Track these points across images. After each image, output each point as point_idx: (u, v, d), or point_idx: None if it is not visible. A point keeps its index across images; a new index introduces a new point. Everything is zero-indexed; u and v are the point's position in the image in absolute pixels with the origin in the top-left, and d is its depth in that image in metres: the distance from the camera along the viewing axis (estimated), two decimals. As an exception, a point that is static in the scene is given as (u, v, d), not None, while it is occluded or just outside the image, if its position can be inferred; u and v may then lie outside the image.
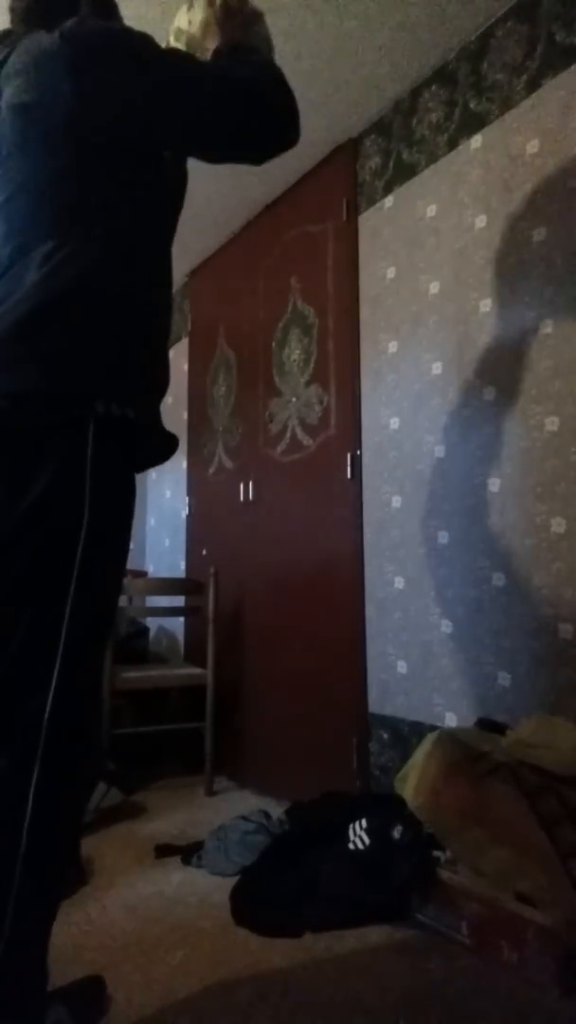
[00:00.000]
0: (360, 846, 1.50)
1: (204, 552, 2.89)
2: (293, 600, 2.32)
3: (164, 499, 3.39)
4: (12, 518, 0.87)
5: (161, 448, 1.06)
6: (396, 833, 1.46)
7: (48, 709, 0.87)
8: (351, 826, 1.56)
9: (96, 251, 0.93)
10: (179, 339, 3.31)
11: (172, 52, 1.06)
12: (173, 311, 1.09)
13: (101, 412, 0.88)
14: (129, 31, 1.00)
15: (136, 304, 0.98)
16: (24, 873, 0.84)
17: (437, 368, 1.91)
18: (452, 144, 1.91)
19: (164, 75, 0.96)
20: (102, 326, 0.92)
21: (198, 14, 1.16)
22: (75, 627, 0.89)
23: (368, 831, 1.51)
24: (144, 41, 0.98)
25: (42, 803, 0.86)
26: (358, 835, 1.53)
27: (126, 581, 2.61)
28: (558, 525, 1.56)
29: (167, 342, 1.09)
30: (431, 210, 1.97)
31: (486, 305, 1.78)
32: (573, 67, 1.60)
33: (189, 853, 1.75)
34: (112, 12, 1.18)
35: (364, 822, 1.54)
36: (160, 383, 1.05)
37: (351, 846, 1.52)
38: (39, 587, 0.89)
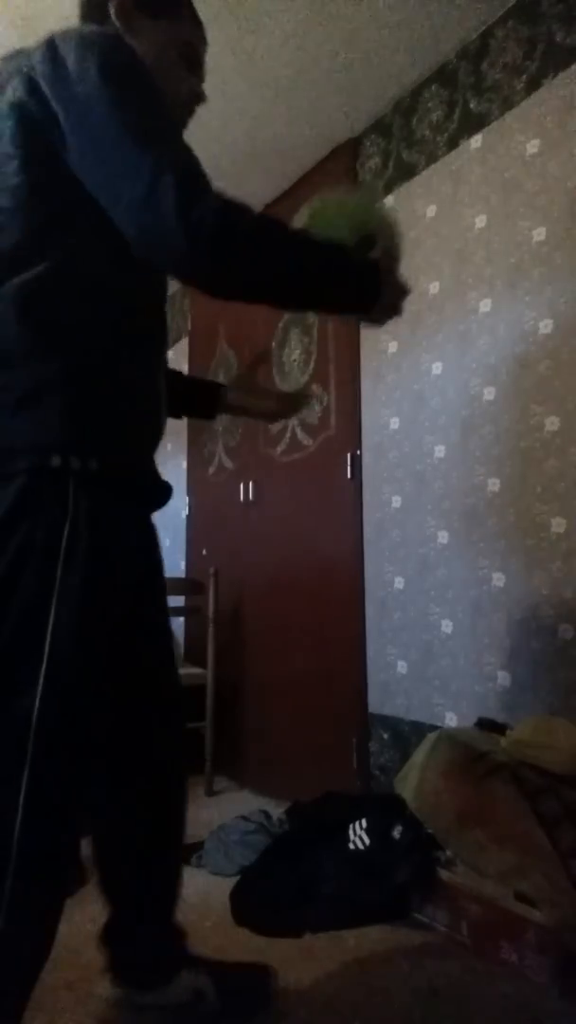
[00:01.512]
0: (360, 846, 1.50)
1: (204, 552, 2.89)
2: (293, 600, 2.32)
3: (164, 499, 3.39)
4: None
5: (148, 498, 0.98)
6: (396, 833, 1.46)
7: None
8: (351, 826, 1.55)
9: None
10: (179, 339, 3.31)
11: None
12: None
13: (66, 465, 0.81)
14: None
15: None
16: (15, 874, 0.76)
17: (437, 368, 1.91)
18: (452, 144, 1.91)
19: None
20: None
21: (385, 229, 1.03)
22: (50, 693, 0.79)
23: (368, 831, 1.51)
24: None
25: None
26: (358, 835, 1.53)
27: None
28: (558, 525, 1.56)
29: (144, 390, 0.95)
30: (431, 210, 1.97)
31: (486, 305, 1.78)
32: (573, 67, 1.60)
33: (189, 853, 1.75)
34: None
35: (364, 822, 1.54)
36: (142, 430, 0.94)
37: (351, 846, 1.52)
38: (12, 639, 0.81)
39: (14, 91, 0.83)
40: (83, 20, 1.00)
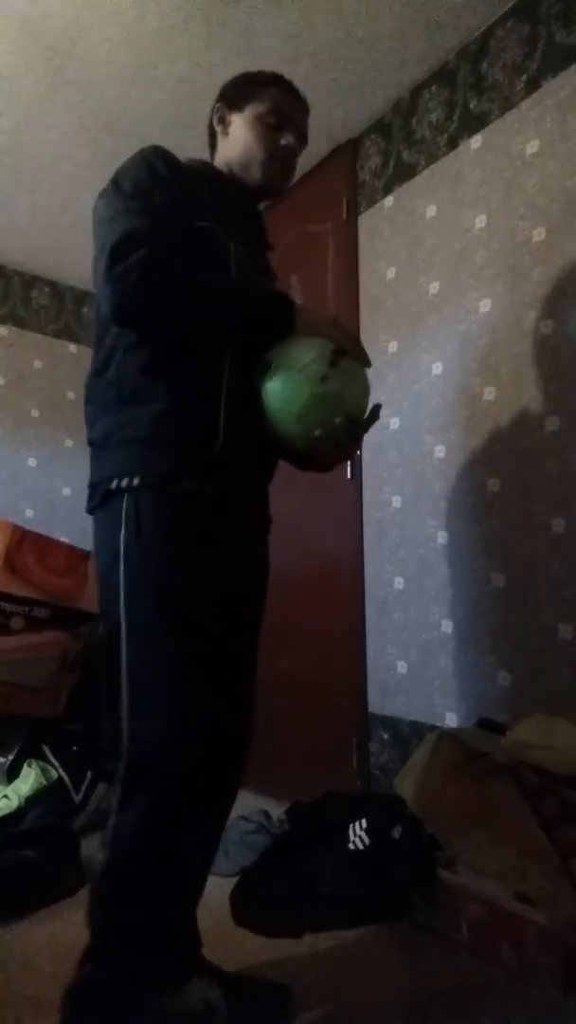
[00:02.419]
0: (360, 846, 1.50)
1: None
2: (293, 600, 2.32)
3: (164, 499, 3.39)
4: (97, 571, 1.10)
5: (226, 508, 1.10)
6: (396, 833, 1.46)
7: (124, 744, 1.00)
8: (351, 826, 1.55)
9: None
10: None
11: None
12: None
13: (124, 485, 1.03)
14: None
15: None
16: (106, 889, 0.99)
17: (437, 368, 1.91)
18: (452, 144, 1.91)
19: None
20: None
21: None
22: (132, 668, 1.01)
23: (368, 831, 1.51)
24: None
25: (120, 828, 0.98)
26: (358, 835, 1.52)
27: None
28: (558, 525, 1.56)
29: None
30: (431, 210, 1.97)
31: (486, 305, 1.78)
32: (573, 67, 1.60)
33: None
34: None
35: (364, 822, 1.54)
36: (200, 456, 1.07)
37: (351, 846, 1.51)
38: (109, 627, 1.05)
39: None
40: (209, 148, 1.28)
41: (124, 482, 1.02)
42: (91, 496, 1.11)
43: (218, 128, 1.24)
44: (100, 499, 1.07)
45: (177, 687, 1.00)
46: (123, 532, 1.01)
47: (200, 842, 1.08)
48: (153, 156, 1.09)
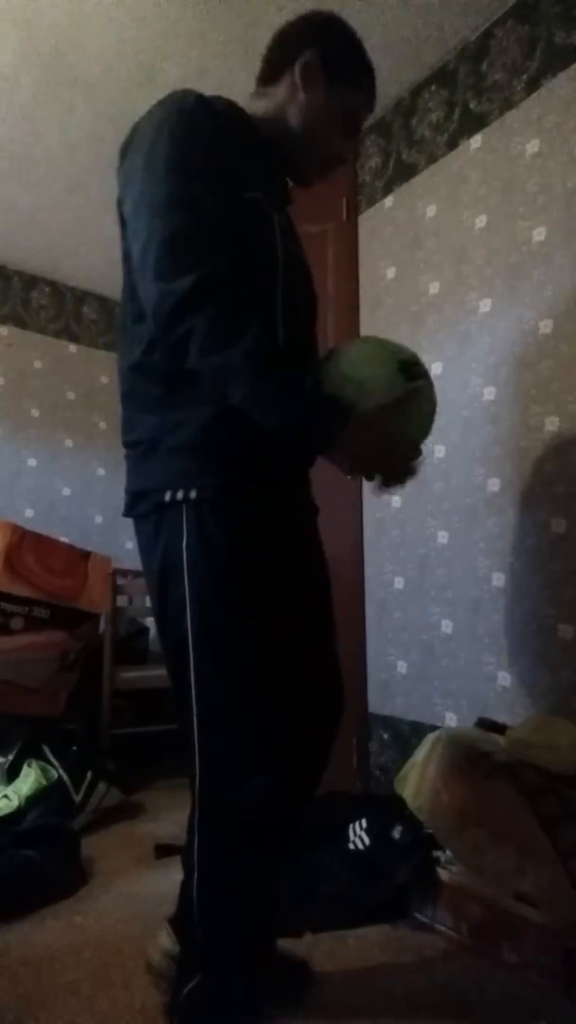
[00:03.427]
0: (360, 846, 1.50)
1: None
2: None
3: (164, 499, 3.39)
4: (152, 583, 1.03)
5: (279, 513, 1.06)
6: (396, 833, 1.46)
7: (196, 761, 0.97)
8: (351, 826, 1.55)
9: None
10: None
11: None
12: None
13: (181, 496, 0.96)
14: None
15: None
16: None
17: (437, 368, 1.91)
18: (452, 144, 1.91)
19: None
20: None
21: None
22: (201, 686, 0.96)
23: (368, 831, 1.51)
24: None
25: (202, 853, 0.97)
26: (358, 835, 1.53)
27: (125, 581, 2.61)
28: (558, 525, 1.56)
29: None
30: (431, 210, 1.97)
31: (486, 305, 1.78)
32: (573, 67, 1.60)
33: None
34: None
35: (364, 822, 1.54)
36: (253, 462, 1.01)
37: (351, 846, 1.51)
38: (170, 650, 1.00)
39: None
40: (260, 83, 1.11)
41: (180, 494, 0.95)
42: (134, 504, 1.04)
43: (298, 78, 1.04)
44: (150, 509, 1.00)
45: (250, 704, 0.96)
46: (185, 543, 0.95)
47: (273, 864, 1.02)
48: (198, 115, 0.94)
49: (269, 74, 1.09)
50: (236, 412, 0.91)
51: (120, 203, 1.01)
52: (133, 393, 1.04)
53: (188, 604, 0.95)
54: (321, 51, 1.04)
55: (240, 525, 0.97)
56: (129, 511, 1.06)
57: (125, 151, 1.02)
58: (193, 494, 0.95)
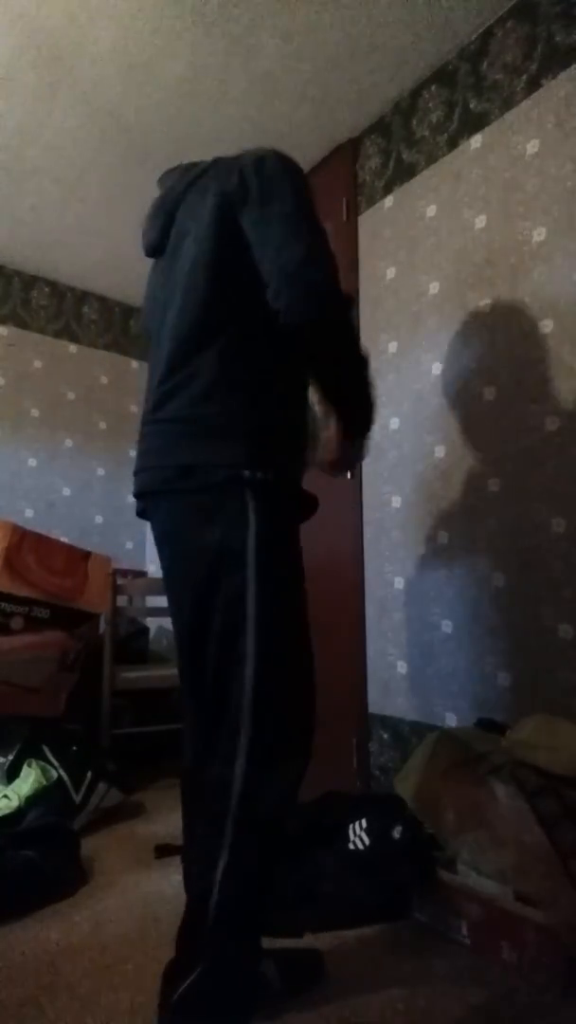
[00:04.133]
0: (360, 846, 1.50)
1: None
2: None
3: (164, 499, 3.39)
4: (197, 560, 1.04)
5: (304, 508, 1.17)
6: (396, 833, 1.46)
7: (242, 752, 0.98)
8: (351, 826, 1.55)
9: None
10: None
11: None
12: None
13: (248, 477, 1.01)
14: None
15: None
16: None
17: (437, 368, 1.91)
18: (452, 144, 1.91)
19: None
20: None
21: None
22: (260, 666, 0.99)
23: (368, 831, 1.51)
24: None
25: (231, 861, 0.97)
26: (358, 835, 1.52)
27: (125, 581, 2.61)
28: (558, 525, 1.56)
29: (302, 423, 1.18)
30: (431, 210, 1.97)
31: (486, 305, 1.78)
32: (573, 67, 1.60)
33: (189, 853, 1.74)
34: None
35: (364, 822, 1.54)
36: (297, 456, 1.15)
37: (351, 846, 1.51)
38: (225, 628, 1.02)
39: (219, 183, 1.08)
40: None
41: (247, 473, 0.99)
42: (180, 476, 1.03)
43: None
44: (204, 485, 1.01)
45: (302, 692, 1.04)
46: (253, 527, 0.99)
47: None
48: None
49: None
50: (297, 404, 1.09)
51: (183, 228, 1.13)
52: (192, 368, 1.06)
53: (251, 586, 0.99)
54: None
55: (288, 511, 1.07)
56: (169, 484, 1.05)
57: (194, 180, 1.15)
58: (259, 474, 1.00)
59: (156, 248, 1.22)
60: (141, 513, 1.19)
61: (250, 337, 1.06)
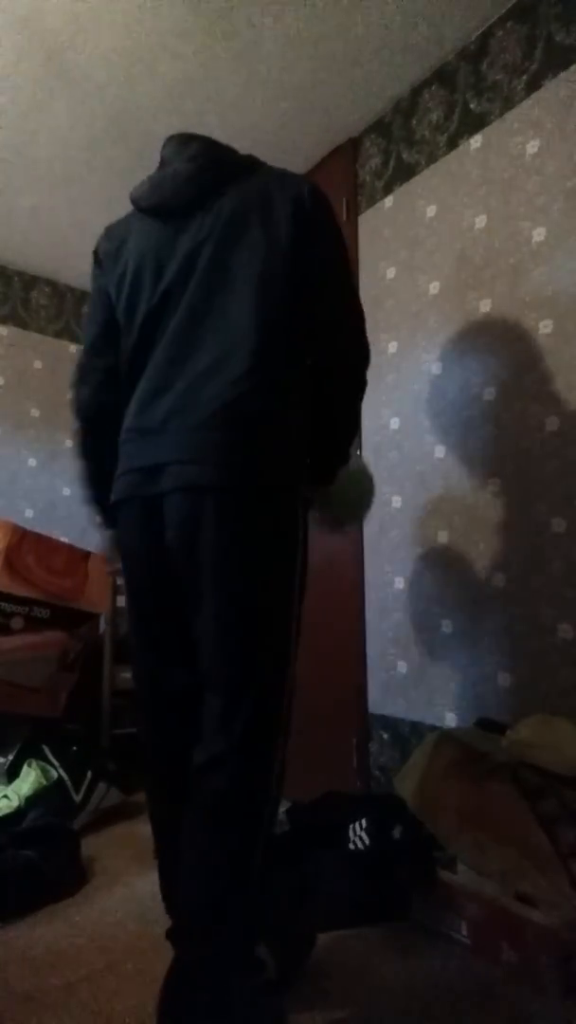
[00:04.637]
0: (360, 846, 1.50)
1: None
2: (293, 600, 2.32)
3: (164, 499, 3.39)
4: (242, 552, 1.07)
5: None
6: (396, 833, 1.46)
7: (273, 738, 1.08)
8: (351, 826, 1.55)
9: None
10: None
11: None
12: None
13: (293, 486, 1.15)
14: None
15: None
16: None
17: (437, 367, 1.91)
18: (452, 144, 1.91)
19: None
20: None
21: None
22: (291, 661, 1.12)
23: (368, 831, 1.51)
24: None
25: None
26: (358, 835, 1.52)
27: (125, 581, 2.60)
28: (558, 525, 1.56)
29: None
30: (431, 210, 1.97)
31: (486, 305, 1.78)
32: (573, 67, 1.60)
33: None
34: None
35: (364, 822, 1.54)
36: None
37: (351, 846, 1.51)
38: (260, 622, 1.08)
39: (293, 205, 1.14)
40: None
41: (292, 480, 1.12)
42: (244, 475, 1.05)
43: None
44: (265, 487, 1.08)
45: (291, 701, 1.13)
46: (300, 533, 1.14)
47: None
48: None
49: None
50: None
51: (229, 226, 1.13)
52: (268, 373, 1.08)
53: (295, 584, 1.11)
54: None
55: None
56: (231, 480, 1.05)
57: (224, 181, 1.16)
58: (297, 484, 1.14)
59: (175, 208, 1.16)
60: (150, 502, 1.09)
61: (299, 352, 1.16)
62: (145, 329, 1.15)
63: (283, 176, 1.18)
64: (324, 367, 1.18)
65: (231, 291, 1.09)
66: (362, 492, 1.46)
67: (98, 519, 1.35)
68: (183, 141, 1.21)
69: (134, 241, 1.19)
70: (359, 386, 1.22)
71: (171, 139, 1.23)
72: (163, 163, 1.22)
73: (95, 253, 1.28)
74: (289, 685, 1.09)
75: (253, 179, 1.16)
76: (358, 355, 1.20)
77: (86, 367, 1.34)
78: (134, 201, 1.23)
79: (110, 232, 1.27)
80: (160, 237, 1.16)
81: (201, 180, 1.15)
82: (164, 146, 1.24)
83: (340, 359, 1.18)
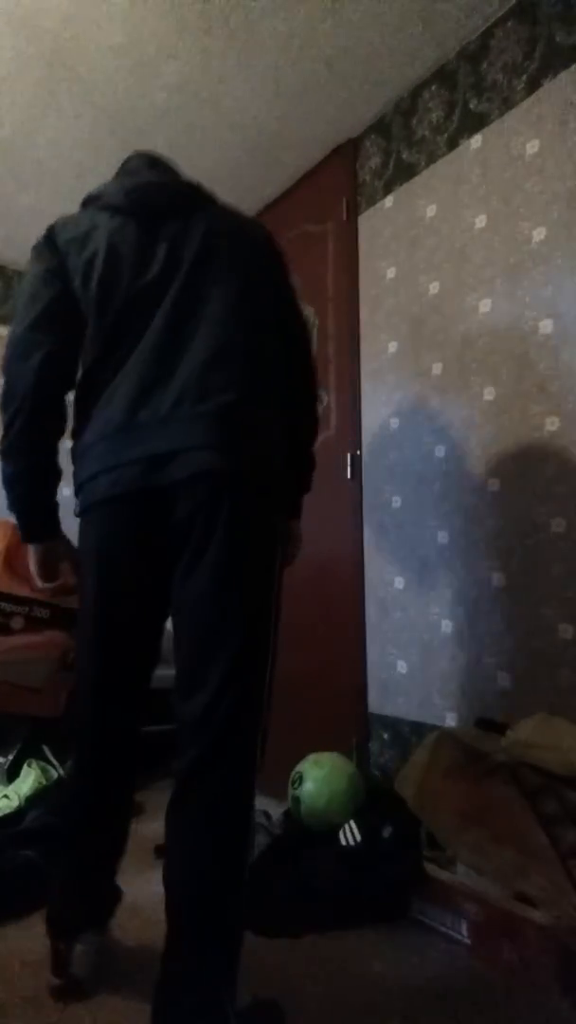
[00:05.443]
0: (351, 842, 1.50)
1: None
2: (293, 600, 2.31)
3: (164, 499, 3.38)
4: (251, 547, 1.10)
5: None
6: (386, 833, 1.46)
7: (260, 728, 1.12)
8: (344, 824, 1.56)
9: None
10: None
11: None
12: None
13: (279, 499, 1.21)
14: None
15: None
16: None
17: (437, 368, 1.91)
18: (452, 144, 1.91)
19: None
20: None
21: None
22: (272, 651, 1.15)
23: (359, 827, 1.52)
24: None
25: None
26: (350, 831, 1.53)
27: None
28: (558, 525, 1.56)
29: None
30: (431, 210, 1.97)
31: (486, 305, 1.78)
32: (573, 67, 1.60)
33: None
34: None
35: (353, 821, 1.55)
36: None
37: (343, 842, 1.52)
38: (254, 609, 1.10)
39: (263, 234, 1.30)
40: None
41: (285, 482, 1.22)
42: (271, 475, 1.14)
43: None
44: (277, 489, 1.16)
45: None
46: (278, 546, 1.18)
47: None
48: None
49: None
50: None
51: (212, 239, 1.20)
52: (265, 381, 1.16)
53: (277, 575, 1.16)
54: None
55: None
56: (262, 480, 1.11)
57: (193, 204, 1.24)
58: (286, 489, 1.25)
59: (159, 211, 1.19)
60: (152, 495, 1.08)
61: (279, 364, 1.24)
62: (125, 316, 1.14)
63: (239, 213, 1.31)
64: (291, 386, 1.26)
65: (217, 288, 1.15)
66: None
67: (41, 529, 1.37)
68: (151, 162, 1.29)
69: (103, 233, 1.18)
70: (316, 417, 1.38)
71: (138, 155, 1.30)
72: (131, 173, 1.27)
73: (49, 237, 1.28)
74: (270, 682, 1.12)
75: (219, 207, 1.27)
76: (315, 392, 1.37)
77: (27, 340, 1.18)
78: (101, 199, 1.24)
79: (68, 221, 1.27)
80: (140, 234, 1.17)
81: (184, 192, 1.24)
82: (128, 160, 1.30)
83: (306, 385, 1.33)
